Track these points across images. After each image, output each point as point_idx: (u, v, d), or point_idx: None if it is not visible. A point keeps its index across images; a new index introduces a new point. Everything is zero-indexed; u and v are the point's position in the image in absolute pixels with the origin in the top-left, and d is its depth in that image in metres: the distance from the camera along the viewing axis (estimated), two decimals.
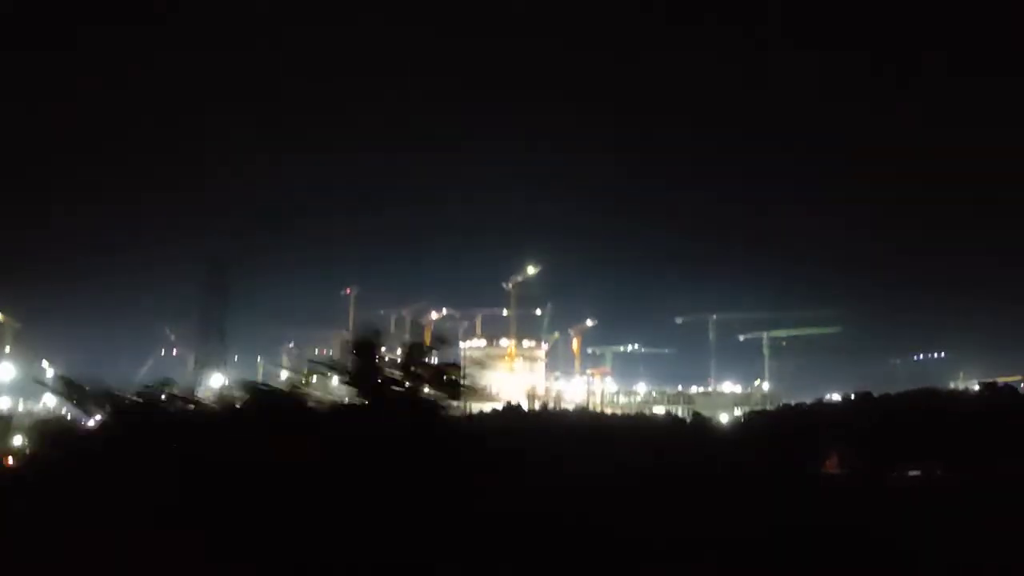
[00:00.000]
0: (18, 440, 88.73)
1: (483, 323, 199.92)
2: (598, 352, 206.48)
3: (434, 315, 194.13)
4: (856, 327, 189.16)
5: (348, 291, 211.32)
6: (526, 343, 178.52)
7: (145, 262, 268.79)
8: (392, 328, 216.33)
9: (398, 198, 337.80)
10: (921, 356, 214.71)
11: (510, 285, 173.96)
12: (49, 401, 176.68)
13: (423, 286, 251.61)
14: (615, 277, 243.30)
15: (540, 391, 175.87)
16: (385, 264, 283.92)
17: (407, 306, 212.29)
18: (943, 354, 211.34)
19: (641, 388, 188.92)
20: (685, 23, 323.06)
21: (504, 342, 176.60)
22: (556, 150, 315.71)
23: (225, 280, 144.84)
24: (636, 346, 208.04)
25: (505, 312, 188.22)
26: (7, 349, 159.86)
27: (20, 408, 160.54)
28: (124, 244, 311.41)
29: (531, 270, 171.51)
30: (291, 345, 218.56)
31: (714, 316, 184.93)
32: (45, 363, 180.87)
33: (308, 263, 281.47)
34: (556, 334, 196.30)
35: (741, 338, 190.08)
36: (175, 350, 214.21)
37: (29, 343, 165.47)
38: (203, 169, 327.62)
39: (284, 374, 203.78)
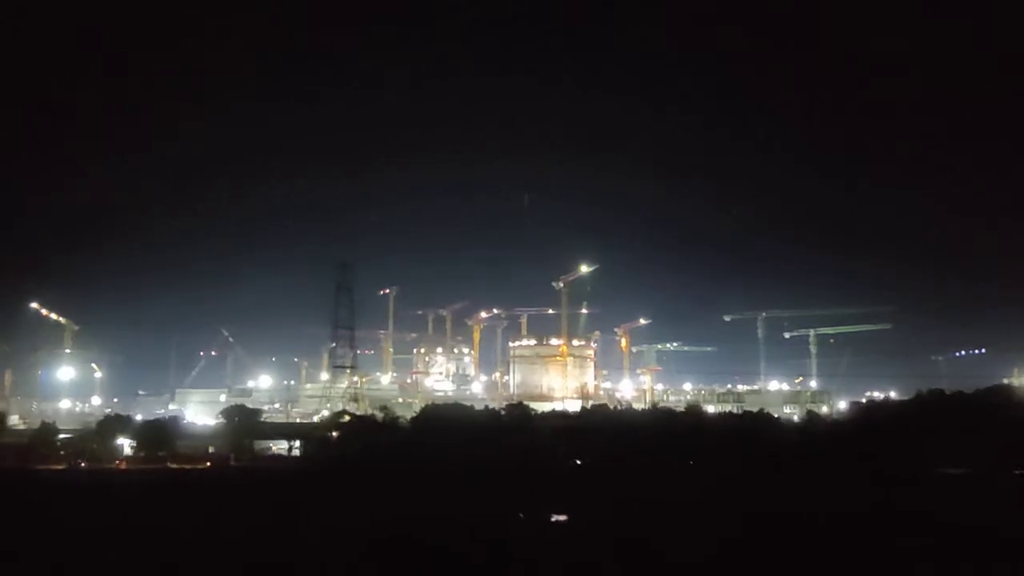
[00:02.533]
0: (122, 440, 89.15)
1: (523, 322, 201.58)
2: (638, 350, 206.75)
3: (483, 314, 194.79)
4: (899, 324, 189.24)
5: (387, 291, 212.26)
6: (576, 342, 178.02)
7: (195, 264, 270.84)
8: (431, 328, 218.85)
9: (439, 199, 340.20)
10: (962, 352, 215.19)
11: (561, 284, 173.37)
12: (94, 400, 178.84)
13: (464, 285, 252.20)
14: (656, 276, 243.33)
15: (591, 390, 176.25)
16: (425, 264, 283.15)
17: (447, 306, 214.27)
18: (983, 350, 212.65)
19: (687, 386, 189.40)
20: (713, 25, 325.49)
21: (555, 341, 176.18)
22: (598, 153, 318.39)
23: (351, 281, 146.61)
24: (675, 344, 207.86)
25: (551, 311, 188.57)
26: (67, 351, 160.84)
27: (77, 408, 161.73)
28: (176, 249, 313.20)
29: (584, 268, 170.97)
30: (334, 345, 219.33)
31: (763, 314, 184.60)
32: (94, 366, 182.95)
33: (348, 262, 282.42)
34: (597, 332, 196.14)
35: (787, 335, 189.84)
36: (213, 352, 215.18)
37: (85, 344, 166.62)
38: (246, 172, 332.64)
39: (324, 375, 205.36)
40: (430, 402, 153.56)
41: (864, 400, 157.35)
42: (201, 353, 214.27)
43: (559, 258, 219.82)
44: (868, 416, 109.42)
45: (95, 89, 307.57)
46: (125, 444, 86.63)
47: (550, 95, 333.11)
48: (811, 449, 74.02)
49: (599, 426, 74.71)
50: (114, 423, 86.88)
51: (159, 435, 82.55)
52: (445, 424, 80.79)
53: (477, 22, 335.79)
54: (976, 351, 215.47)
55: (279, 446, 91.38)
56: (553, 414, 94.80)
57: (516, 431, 78.41)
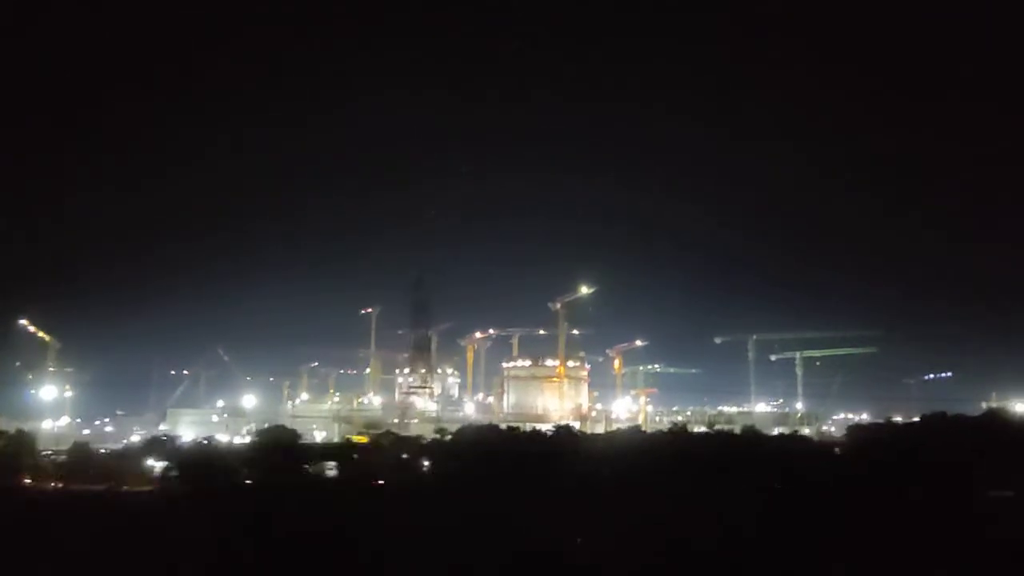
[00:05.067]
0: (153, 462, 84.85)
1: (515, 343, 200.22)
2: (624, 371, 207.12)
3: (478, 334, 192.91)
4: (884, 347, 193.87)
5: (369, 310, 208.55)
6: (571, 363, 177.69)
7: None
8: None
9: (425, 219, 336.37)
10: (931, 376, 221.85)
11: (558, 305, 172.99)
12: (62, 420, 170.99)
13: (448, 305, 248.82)
14: (645, 297, 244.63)
15: (585, 411, 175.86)
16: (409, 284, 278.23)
17: (432, 326, 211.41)
18: (949, 374, 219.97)
19: (675, 408, 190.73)
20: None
21: (550, 362, 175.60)
22: (586, 177, 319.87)
23: (428, 298, 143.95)
24: (659, 366, 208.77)
25: (542, 332, 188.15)
26: (50, 368, 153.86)
27: (55, 429, 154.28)
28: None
29: (584, 289, 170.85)
30: (315, 364, 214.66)
31: (754, 336, 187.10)
32: (66, 385, 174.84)
33: (330, 281, 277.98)
34: (582, 353, 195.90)
35: (773, 358, 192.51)
36: (186, 371, 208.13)
37: (66, 363, 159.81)
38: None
39: (304, 395, 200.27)
40: (421, 423, 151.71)
41: (858, 422, 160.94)
42: (173, 372, 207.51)
43: (545, 278, 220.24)
44: (883, 438, 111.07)
45: (96, 99, 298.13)
46: (156, 466, 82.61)
47: (544, 108, 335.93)
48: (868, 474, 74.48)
49: (663, 448, 73.89)
50: (154, 444, 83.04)
51: (204, 457, 78.93)
52: (498, 447, 79.01)
53: (468, 28, 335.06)
54: (942, 375, 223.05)
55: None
56: (598, 435, 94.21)
57: (571, 454, 77.27)
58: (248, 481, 79.52)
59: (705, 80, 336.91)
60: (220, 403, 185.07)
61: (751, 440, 75.99)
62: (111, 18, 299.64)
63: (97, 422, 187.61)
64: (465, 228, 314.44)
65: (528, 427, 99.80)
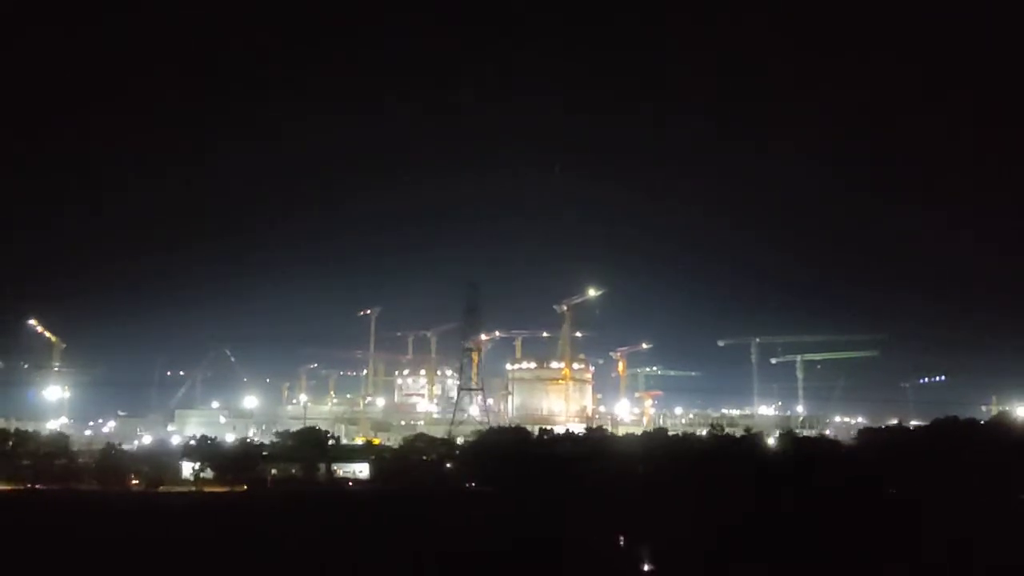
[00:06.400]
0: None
1: (518, 345, 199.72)
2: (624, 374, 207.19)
3: (483, 336, 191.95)
4: (878, 350, 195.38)
5: (368, 312, 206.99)
6: (575, 365, 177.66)
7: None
8: (411, 351, 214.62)
9: (425, 219, 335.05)
10: (925, 380, 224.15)
11: (565, 307, 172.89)
12: (61, 420, 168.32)
13: (444, 307, 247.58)
14: (649, 300, 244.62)
15: (589, 413, 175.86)
16: (407, 285, 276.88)
17: (432, 327, 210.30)
18: (943, 378, 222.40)
19: (677, 411, 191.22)
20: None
21: (555, 364, 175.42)
22: (589, 179, 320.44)
23: (479, 303, 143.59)
24: (658, 368, 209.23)
25: (545, 334, 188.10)
26: (56, 367, 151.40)
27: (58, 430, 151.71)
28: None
29: (592, 292, 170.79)
30: (315, 366, 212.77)
31: (757, 339, 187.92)
32: (65, 387, 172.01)
33: (330, 281, 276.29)
34: (582, 356, 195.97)
35: (773, 361, 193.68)
36: (182, 372, 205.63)
37: (71, 362, 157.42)
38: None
39: (302, 397, 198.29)
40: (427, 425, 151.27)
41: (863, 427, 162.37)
42: (169, 373, 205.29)
43: (546, 280, 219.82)
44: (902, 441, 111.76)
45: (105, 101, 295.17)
46: (186, 467, 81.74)
47: (547, 108, 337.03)
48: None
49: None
50: (192, 448, 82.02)
51: (243, 458, 78.16)
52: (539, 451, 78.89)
53: (471, 31, 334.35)
54: (937, 378, 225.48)
55: (345, 469, 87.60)
56: (629, 437, 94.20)
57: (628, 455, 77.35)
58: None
59: (710, 82, 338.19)
60: (214, 404, 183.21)
61: (791, 444, 76.33)
62: (115, 19, 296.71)
63: (92, 423, 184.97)
64: (466, 229, 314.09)
65: (561, 429, 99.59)
